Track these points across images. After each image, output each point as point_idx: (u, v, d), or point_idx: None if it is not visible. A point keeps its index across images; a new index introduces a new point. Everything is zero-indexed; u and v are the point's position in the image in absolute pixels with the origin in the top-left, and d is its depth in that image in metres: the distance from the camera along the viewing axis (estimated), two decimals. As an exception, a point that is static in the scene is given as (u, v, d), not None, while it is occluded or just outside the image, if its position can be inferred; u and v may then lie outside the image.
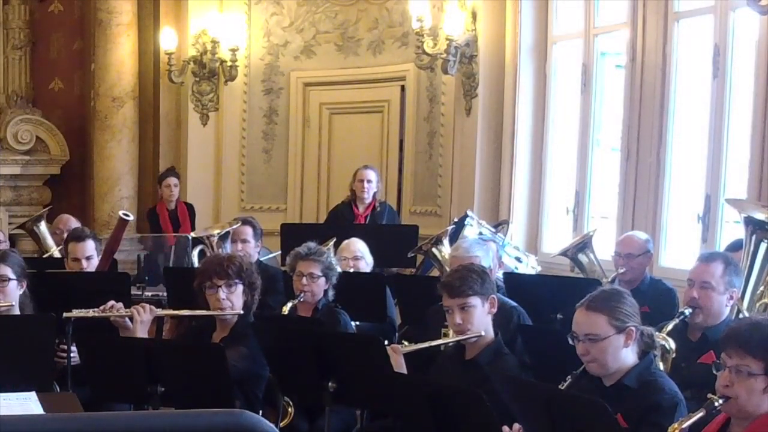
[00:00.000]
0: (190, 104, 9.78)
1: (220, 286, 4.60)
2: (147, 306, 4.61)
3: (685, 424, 3.06)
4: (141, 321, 4.52)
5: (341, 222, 7.91)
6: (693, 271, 4.45)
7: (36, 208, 9.45)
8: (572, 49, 7.45)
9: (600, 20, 7.14)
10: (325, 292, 5.35)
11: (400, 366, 4.27)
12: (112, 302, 4.63)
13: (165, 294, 6.30)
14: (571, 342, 3.60)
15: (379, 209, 7.96)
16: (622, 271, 5.48)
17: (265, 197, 9.88)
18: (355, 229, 7.14)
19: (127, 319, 4.55)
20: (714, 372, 3.11)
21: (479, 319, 4.25)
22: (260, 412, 4.66)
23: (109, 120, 9.66)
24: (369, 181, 7.91)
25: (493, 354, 4.26)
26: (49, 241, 7.33)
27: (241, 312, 4.64)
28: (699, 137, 6.20)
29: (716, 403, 3.03)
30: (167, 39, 9.45)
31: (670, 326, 4.30)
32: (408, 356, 4.37)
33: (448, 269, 5.91)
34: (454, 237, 6.38)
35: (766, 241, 4.53)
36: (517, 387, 3.58)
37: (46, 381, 4.42)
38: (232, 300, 4.63)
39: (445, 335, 4.56)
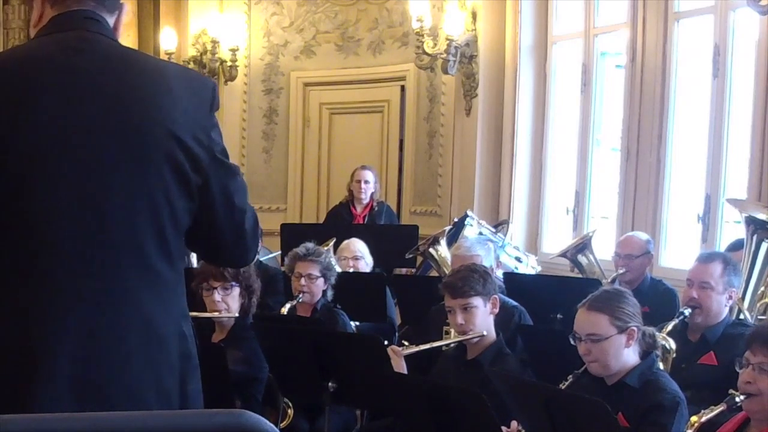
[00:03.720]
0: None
1: (216, 288, 4.59)
2: None
3: (705, 417, 3.09)
4: None
5: (340, 222, 7.91)
6: (692, 271, 4.45)
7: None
8: (572, 49, 7.45)
9: (600, 20, 7.14)
10: (324, 292, 5.35)
11: (400, 368, 4.27)
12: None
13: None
14: (572, 342, 3.60)
15: (377, 209, 7.96)
16: (621, 271, 5.48)
17: (265, 197, 9.87)
18: (355, 229, 7.13)
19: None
20: (737, 369, 3.12)
21: (481, 319, 4.25)
22: (260, 413, 4.65)
23: (109, 120, 9.65)
24: (366, 182, 7.91)
25: (495, 354, 4.25)
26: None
27: (237, 315, 4.63)
28: (699, 137, 6.19)
29: (737, 399, 3.04)
30: (167, 39, 9.44)
31: (669, 326, 4.31)
32: (409, 356, 4.37)
33: (445, 269, 5.92)
34: (454, 237, 6.38)
35: (767, 241, 4.53)
36: (516, 386, 3.58)
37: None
38: (227, 302, 4.62)
39: (447, 334, 4.56)
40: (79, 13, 2.16)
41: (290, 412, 4.79)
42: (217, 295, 4.58)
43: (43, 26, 2.20)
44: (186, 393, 2.24)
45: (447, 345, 4.47)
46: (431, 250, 6.39)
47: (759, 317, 4.50)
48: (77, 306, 2.09)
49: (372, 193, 7.97)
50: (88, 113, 2.08)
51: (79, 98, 2.09)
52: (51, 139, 2.07)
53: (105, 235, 2.10)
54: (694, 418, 3.10)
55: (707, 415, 3.09)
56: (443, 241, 6.34)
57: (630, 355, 3.54)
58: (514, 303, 5.03)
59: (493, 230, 6.72)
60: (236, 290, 4.63)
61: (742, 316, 4.52)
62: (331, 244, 6.41)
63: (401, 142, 9.29)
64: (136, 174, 2.10)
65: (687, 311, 4.36)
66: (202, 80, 2.31)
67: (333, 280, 5.37)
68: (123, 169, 2.09)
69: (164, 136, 2.11)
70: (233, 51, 9.53)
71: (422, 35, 7.70)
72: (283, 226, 7.79)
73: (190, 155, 2.14)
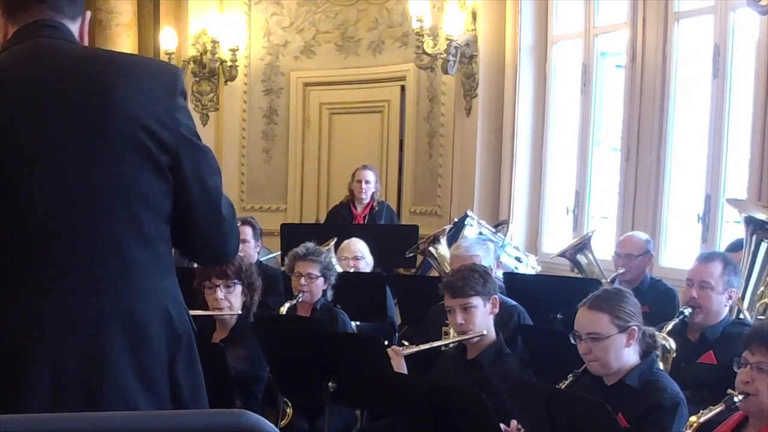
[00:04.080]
0: (190, 104, 9.76)
1: (219, 286, 4.60)
2: None
3: (704, 418, 3.09)
4: None
5: (340, 222, 7.91)
6: (692, 270, 4.45)
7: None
8: (572, 49, 7.45)
9: (600, 20, 7.14)
10: (324, 292, 5.35)
11: (400, 368, 4.27)
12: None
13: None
14: (573, 341, 3.60)
15: (377, 209, 7.97)
16: (621, 271, 5.47)
17: (265, 197, 9.87)
18: (355, 229, 7.14)
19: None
20: (735, 369, 3.12)
21: (481, 319, 4.25)
22: (260, 413, 4.65)
23: (109, 120, 9.64)
24: (367, 182, 7.92)
25: (495, 354, 4.26)
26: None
27: (239, 312, 4.63)
28: (699, 137, 6.20)
29: (735, 398, 3.04)
30: (167, 39, 9.44)
31: (669, 326, 4.31)
32: (409, 356, 4.37)
33: (445, 268, 5.93)
34: (454, 237, 6.38)
35: (766, 241, 4.54)
36: (516, 386, 3.58)
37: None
38: (230, 300, 4.62)
39: (446, 334, 4.56)
40: (36, 23, 2.25)
41: (289, 411, 4.79)
42: (220, 293, 4.59)
43: (6, 41, 2.29)
44: (176, 380, 2.26)
45: (447, 345, 4.47)
46: (431, 248, 6.39)
47: (759, 317, 4.50)
48: (59, 301, 2.14)
49: (373, 193, 7.98)
50: (52, 114, 2.16)
51: (42, 100, 2.16)
52: (25, 143, 2.15)
53: (82, 228, 2.16)
54: (692, 419, 3.11)
55: (706, 415, 3.10)
56: (443, 240, 6.35)
57: (630, 355, 3.54)
58: (513, 303, 5.04)
59: (493, 230, 6.72)
60: (238, 288, 4.63)
61: (742, 316, 4.52)
62: (332, 243, 6.41)
63: (401, 142, 9.30)
64: (103, 163, 2.17)
65: (687, 311, 4.36)
66: (165, 67, 2.38)
67: (333, 280, 5.37)
68: (91, 161, 2.16)
69: (126, 123, 2.17)
70: (233, 51, 9.53)
71: (422, 35, 7.70)
72: (283, 226, 7.79)
73: (154, 138, 2.19)
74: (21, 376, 2.11)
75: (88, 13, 2.37)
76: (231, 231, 2.39)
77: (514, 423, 3.65)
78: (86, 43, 2.37)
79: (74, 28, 2.31)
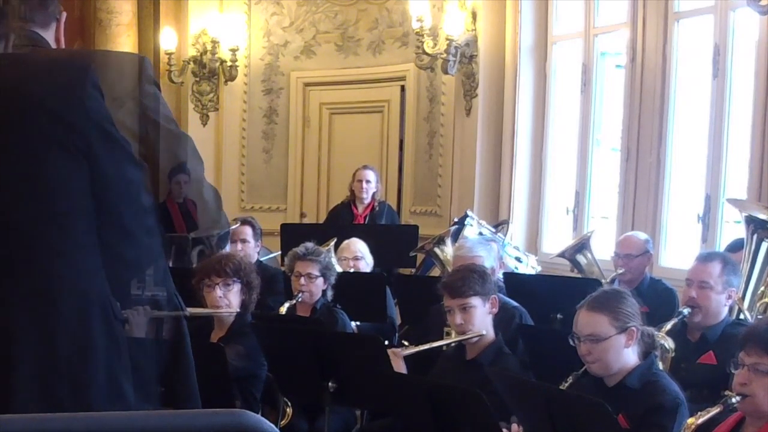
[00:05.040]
0: (190, 104, 9.78)
1: (217, 284, 4.61)
2: (140, 308, 4.60)
3: (701, 420, 3.09)
4: (136, 324, 4.50)
5: (340, 222, 7.92)
6: (691, 270, 4.45)
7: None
8: (572, 49, 7.45)
9: (600, 20, 7.14)
10: (324, 292, 5.35)
11: (400, 369, 4.27)
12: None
13: (165, 294, 6.27)
14: (572, 343, 3.60)
15: (378, 209, 7.97)
16: (621, 271, 5.47)
17: (265, 197, 9.88)
18: (355, 229, 7.13)
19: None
20: (732, 371, 3.12)
21: (480, 319, 4.25)
22: (259, 412, 4.65)
23: (109, 120, 9.64)
24: (368, 182, 7.92)
25: (494, 354, 4.26)
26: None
27: (238, 311, 4.64)
28: (699, 137, 6.20)
29: (733, 400, 3.04)
30: (167, 39, 9.45)
31: (668, 326, 4.30)
32: (409, 356, 4.37)
33: (449, 269, 5.92)
34: (454, 237, 6.38)
35: (767, 240, 4.53)
36: (517, 387, 3.58)
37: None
38: (228, 298, 4.63)
39: (447, 335, 4.56)
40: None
41: (289, 411, 4.80)
42: (218, 291, 4.60)
43: None
44: (77, 377, 2.34)
45: (446, 345, 4.47)
46: (436, 249, 6.39)
47: (759, 317, 4.50)
48: None
49: (373, 193, 7.98)
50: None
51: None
52: None
53: (10, 225, 2.23)
54: (690, 420, 3.11)
55: (704, 417, 3.09)
56: (449, 241, 6.35)
57: (630, 356, 3.53)
58: (515, 304, 5.03)
59: (493, 230, 6.72)
60: (237, 286, 4.64)
61: (742, 316, 4.52)
62: (332, 244, 6.41)
63: (401, 142, 9.30)
64: (22, 161, 2.22)
65: (686, 311, 4.36)
66: (77, 59, 2.45)
67: (333, 280, 5.37)
68: (9, 159, 2.22)
69: (40, 118, 2.21)
70: (233, 51, 9.53)
71: (422, 35, 7.71)
72: (283, 226, 7.79)
73: (66, 126, 2.23)
74: None
75: (64, 14, 2.41)
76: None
77: (515, 427, 3.65)
78: (63, 44, 2.41)
79: (48, 35, 2.36)
